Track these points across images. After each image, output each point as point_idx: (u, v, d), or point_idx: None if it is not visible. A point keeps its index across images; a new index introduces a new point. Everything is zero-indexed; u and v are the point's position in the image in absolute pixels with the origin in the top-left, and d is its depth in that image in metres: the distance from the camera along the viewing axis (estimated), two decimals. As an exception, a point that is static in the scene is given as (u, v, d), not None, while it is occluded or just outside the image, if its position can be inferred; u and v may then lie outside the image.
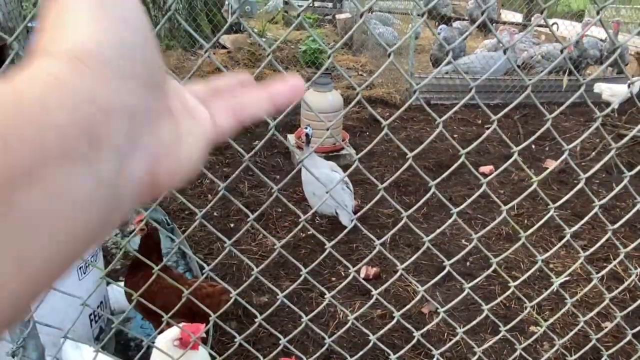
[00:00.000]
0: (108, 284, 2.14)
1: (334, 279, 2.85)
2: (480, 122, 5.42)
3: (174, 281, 1.88)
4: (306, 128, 3.34)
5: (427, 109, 0.97)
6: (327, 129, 0.93)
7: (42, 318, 1.20)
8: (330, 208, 3.22)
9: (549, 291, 1.44)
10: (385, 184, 1.00)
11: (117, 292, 2.37)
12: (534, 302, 1.43)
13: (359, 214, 1.18)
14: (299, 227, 1.12)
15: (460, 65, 6.30)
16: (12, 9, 3.93)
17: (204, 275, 1.16)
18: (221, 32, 0.90)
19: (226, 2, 8.27)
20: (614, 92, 4.89)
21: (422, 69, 6.79)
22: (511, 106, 1.07)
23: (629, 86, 1.13)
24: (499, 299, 1.43)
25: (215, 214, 3.50)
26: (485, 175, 4.20)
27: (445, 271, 1.21)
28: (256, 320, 1.29)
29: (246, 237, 3.17)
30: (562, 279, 1.96)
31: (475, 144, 1.13)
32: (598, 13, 0.87)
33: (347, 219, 3.19)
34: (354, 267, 1.18)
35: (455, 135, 5.10)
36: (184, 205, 3.61)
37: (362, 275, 2.83)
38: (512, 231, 3.33)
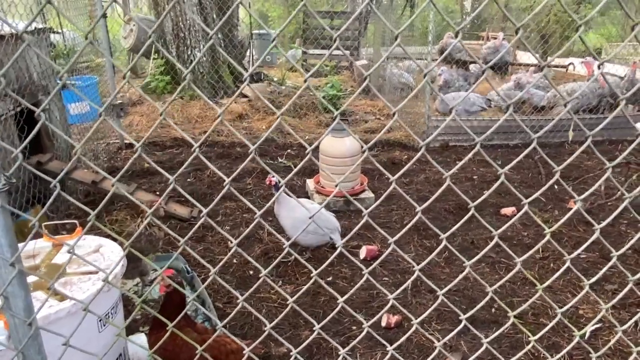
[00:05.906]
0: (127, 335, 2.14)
1: (354, 327, 2.79)
2: (500, 162, 5.39)
3: (199, 335, 1.88)
4: (273, 177, 3.19)
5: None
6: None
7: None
8: (325, 237, 3.42)
9: (574, 343, 1.38)
10: (395, 238, 1.01)
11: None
12: (563, 351, 1.37)
13: (378, 260, 1.18)
14: (311, 281, 1.12)
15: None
16: (46, 68, 4.18)
17: (217, 332, 1.16)
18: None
19: (247, 54, 8.65)
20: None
21: (439, 112, 6.86)
22: (526, 152, 1.07)
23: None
24: (522, 352, 1.38)
25: (234, 260, 3.51)
26: (507, 217, 4.13)
27: (462, 325, 1.18)
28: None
29: (265, 285, 3.16)
30: (590, 328, 1.87)
31: (490, 190, 1.13)
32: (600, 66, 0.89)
33: (340, 239, 3.43)
34: (375, 315, 1.16)
35: (474, 177, 5.06)
36: (204, 252, 3.65)
37: (384, 323, 2.76)
38: (538, 276, 3.23)
